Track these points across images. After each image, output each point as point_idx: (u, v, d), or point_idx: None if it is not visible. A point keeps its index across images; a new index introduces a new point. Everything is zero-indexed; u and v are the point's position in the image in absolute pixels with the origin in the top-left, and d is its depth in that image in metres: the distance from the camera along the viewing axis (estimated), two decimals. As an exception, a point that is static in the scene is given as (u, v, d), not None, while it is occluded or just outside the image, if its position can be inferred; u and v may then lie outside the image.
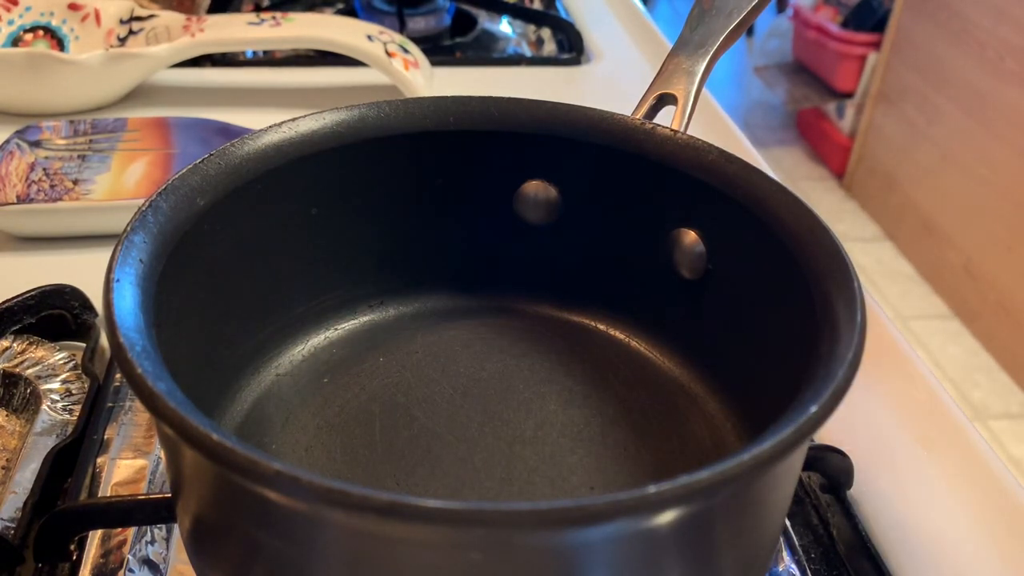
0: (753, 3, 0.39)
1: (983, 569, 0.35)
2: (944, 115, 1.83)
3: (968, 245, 1.76)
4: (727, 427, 0.35)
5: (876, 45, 2.05)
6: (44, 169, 0.52)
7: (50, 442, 0.36)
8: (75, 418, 0.38)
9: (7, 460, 0.37)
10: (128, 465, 0.36)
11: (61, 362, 0.40)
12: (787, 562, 0.34)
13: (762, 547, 0.28)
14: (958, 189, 1.79)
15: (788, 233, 0.31)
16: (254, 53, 0.75)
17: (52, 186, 0.50)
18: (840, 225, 2.06)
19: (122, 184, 0.51)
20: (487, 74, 0.75)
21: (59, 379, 0.39)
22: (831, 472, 0.37)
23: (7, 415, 0.39)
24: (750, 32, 2.63)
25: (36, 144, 0.54)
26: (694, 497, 0.22)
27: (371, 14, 0.80)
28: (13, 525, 0.33)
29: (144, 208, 0.29)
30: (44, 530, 0.32)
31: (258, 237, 0.34)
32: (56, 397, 0.39)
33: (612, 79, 0.75)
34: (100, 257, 0.27)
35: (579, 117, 0.36)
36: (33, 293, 0.42)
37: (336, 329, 0.38)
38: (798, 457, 0.28)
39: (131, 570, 0.32)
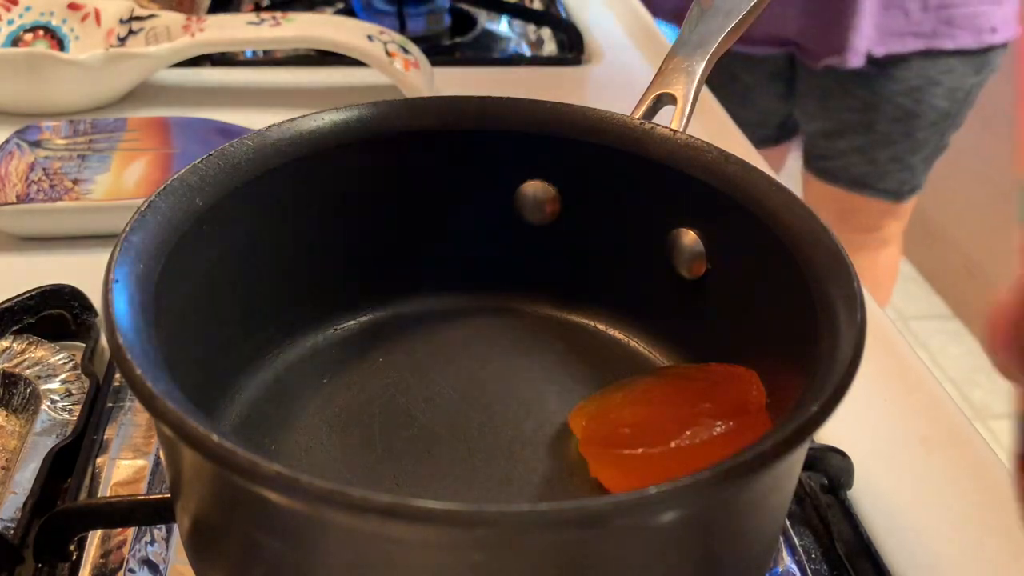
0: (752, 2, 0.39)
1: (983, 570, 0.35)
2: (944, 114, 1.82)
3: (968, 245, 1.76)
4: (727, 427, 0.35)
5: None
6: (44, 169, 0.52)
7: (50, 442, 0.36)
8: (75, 418, 0.38)
9: (7, 460, 0.37)
10: (128, 465, 0.36)
11: (61, 362, 0.40)
12: (787, 562, 0.34)
13: (762, 547, 0.28)
14: (958, 188, 1.79)
15: (788, 233, 0.31)
16: (254, 53, 0.75)
17: (52, 186, 0.50)
18: (839, 225, 2.06)
19: (122, 184, 0.51)
20: (487, 74, 0.75)
21: (59, 379, 0.39)
22: (831, 472, 0.37)
23: (7, 415, 0.39)
24: (750, 32, 2.62)
25: (36, 144, 0.54)
26: (694, 497, 0.22)
27: (371, 14, 0.80)
28: (13, 525, 0.33)
29: (143, 208, 0.29)
30: (44, 530, 0.32)
31: (257, 237, 0.34)
32: (56, 397, 0.39)
33: (612, 79, 0.75)
34: (99, 257, 0.27)
35: (579, 117, 0.36)
36: (33, 293, 0.42)
37: (336, 329, 0.38)
38: (798, 457, 0.28)
39: (131, 570, 0.32)
